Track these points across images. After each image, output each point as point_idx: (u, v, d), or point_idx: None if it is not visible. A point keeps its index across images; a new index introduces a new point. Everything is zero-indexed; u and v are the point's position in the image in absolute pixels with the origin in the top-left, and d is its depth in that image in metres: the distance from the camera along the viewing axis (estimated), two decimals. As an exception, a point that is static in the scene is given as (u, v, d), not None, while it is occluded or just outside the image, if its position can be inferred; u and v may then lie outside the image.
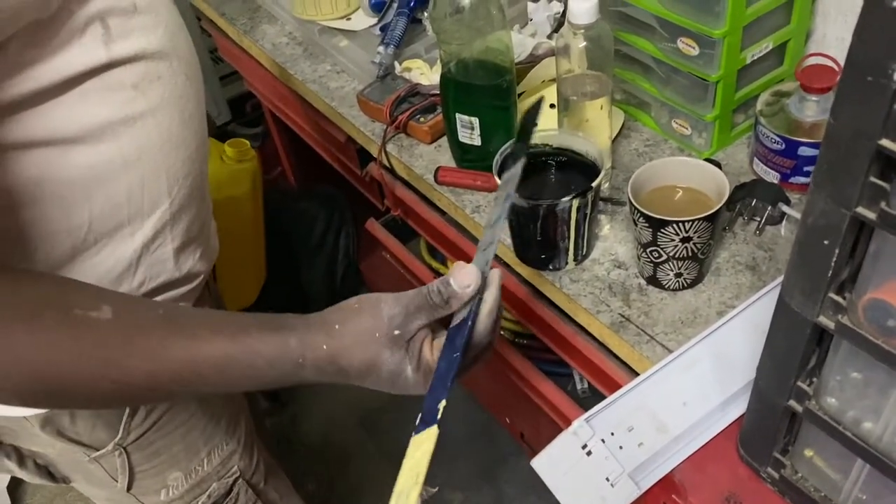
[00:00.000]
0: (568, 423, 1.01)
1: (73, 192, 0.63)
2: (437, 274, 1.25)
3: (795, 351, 0.57)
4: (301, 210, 1.85)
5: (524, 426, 1.44)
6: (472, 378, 1.61)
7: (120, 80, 0.63)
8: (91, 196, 0.65)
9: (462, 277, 0.59)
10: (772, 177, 0.90)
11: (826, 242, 0.49)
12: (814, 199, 0.49)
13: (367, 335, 0.57)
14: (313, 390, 1.84)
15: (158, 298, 0.75)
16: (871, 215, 0.46)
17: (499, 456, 1.65)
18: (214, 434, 0.87)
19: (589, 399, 1.13)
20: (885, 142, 0.43)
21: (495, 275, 0.62)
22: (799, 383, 0.58)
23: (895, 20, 0.39)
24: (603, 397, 0.91)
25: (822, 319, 0.53)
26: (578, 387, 1.15)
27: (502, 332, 1.22)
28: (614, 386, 0.86)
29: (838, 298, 0.51)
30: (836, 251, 0.49)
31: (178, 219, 0.73)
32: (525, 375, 1.04)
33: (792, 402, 0.60)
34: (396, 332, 0.57)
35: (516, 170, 0.69)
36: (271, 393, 1.82)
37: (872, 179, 0.45)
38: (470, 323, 0.59)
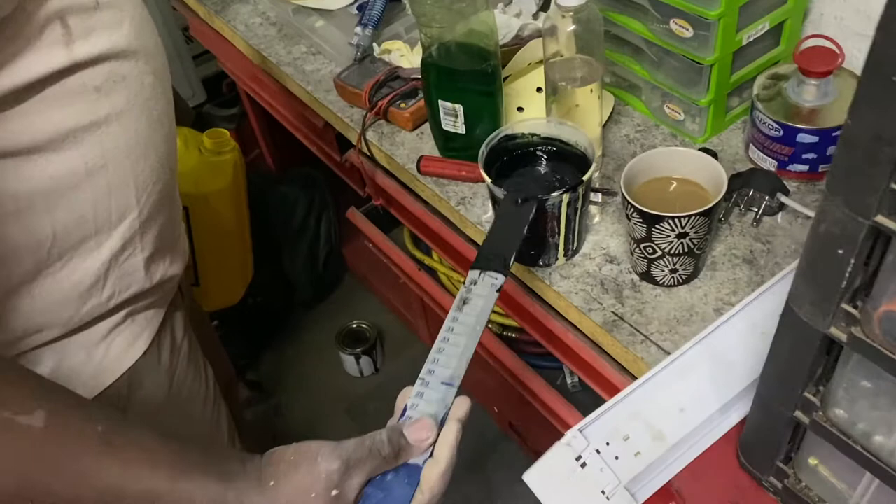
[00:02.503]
0: (558, 418, 0.99)
1: (33, 206, 0.59)
2: (422, 265, 1.21)
3: (803, 361, 0.53)
4: (281, 194, 1.80)
5: (512, 416, 1.41)
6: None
7: (82, 83, 0.58)
8: (53, 208, 0.60)
9: (418, 431, 0.54)
10: (769, 164, 0.86)
11: (840, 252, 0.45)
12: (828, 206, 0.45)
13: (301, 497, 0.51)
14: (298, 379, 1.81)
15: (129, 309, 0.71)
16: (892, 225, 0.42)
17: (487, 444, 1.62)
18: None
19: (579, 394, 1.10)
20: (910, 148, 0.39)
21: (456, 420, 0.56)
22: (806, 394, 0.55)
23: (927, 15, 0.35)
24: (594, 393, 0.89)
25: (834, 331, 0.49)
26: (569, 381, 1.12)
27: (489, 326, 1.19)
28: (607, 385, 0.83)
29: (852, 310, 0.48)
30: (852, 262, 0.45)
31: (147, 227, 0.68)
32: (514, 371, 1.01)
33: (798, 414, 0.57)
34: (334, 493, 0.51)
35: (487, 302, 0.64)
36: (254, 382, 1.78)
37: (894, 187, 0.41)
38: (416, 484, 0.54)
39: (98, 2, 0.58)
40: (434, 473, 0.54)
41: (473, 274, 0.66)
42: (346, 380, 1.80)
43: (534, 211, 0.72)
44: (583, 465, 0.64)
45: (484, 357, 1.11)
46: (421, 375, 0.59)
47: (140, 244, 0.68)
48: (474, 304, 0.63)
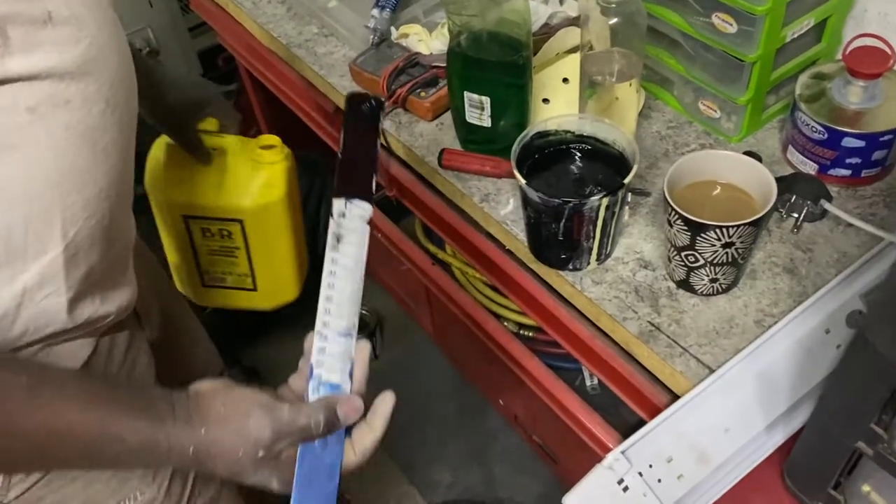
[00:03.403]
0: (577, 422, 0.96)
1: None
2: (435, 259, 1.17)
3: (874, 394, 0.50)
4: (280, 176, 1.74)
5: (519, 410, 1.39)
6: (464, 358, 1.55)
7: (13, 101, 0.53)
8: None
9: (351, 411, 0.58)
10: (809, 168, 0.83)
11: (936, 286, 0.42)
12: (926, 237, 0.42)
13: (230, 451, 0.54)
14: (295, 365, 1.76)
15: (47, 343, 0.64)
16: None
17: (489, 434, 1.60)
18: (125, 483, 0.73)
19: (599, 396, 1.07)
20: None
21: (390, 392, 0.61)
22: (872, 426, 0.52)
23: None
24: (616, 397, 0.86)
25: (916, 366, 0.46)
26: (588, 383, 1.09)
27: (506, 324, 1.15)
28: (635, 393, 0.80)
29: (938, 345, 0.45)
30: (948, 297, 0.42)
31: (74, 265, 0.62)
32: (532, 372, 0.98)
33: (861, 444, 0.54)
34: (261, 454, 0.54)
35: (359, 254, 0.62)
36: (250, 368, 1.74)
37: None
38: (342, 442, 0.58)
39: (51, 16, 0.52)
40: (369, 441, 0.59)
41: (339, 204, 0.62)
42: (344, 367, 1.76)
43: (378, 125, 0.65)
44: (625, 489, 0.61)
45: (494, 351, 1.08)
46: (317, 329, 0.60)
47: (64, 283, 0.62)
48: (349, 242, 0.62)
